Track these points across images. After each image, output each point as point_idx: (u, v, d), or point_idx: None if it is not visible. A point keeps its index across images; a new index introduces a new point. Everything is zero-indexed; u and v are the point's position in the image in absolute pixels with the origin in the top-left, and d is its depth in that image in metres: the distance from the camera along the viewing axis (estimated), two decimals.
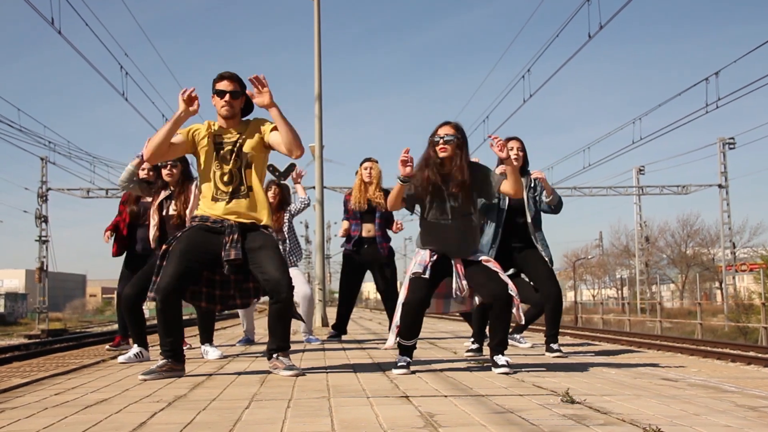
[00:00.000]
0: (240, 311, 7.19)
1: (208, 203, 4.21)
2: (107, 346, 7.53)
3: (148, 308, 9.74)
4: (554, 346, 5.35)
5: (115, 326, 33.72)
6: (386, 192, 7.26)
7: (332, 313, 8.81)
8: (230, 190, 4.17)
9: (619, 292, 57.21)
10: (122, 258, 6.85)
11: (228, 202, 4.16)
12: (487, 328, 4.51)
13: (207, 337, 5.62)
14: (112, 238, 6.80)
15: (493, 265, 4.23)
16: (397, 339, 4.23)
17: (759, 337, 19.28)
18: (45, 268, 33.38)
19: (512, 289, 4.13)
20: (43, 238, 32.98)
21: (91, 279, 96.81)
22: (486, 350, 4.75)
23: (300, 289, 6.94)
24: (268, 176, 6.61)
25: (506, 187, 4.28)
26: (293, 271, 6.86)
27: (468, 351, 5.49)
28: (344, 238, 7.33)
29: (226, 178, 4.18)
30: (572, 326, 27.26)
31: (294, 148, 4.15)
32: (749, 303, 27.80)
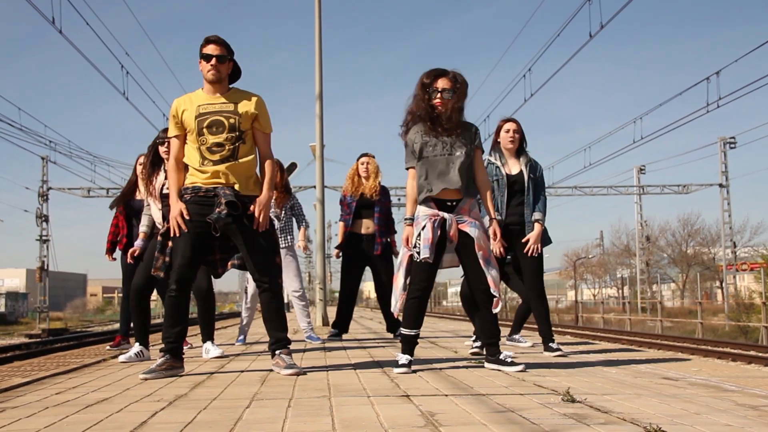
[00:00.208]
0: (243, 311, 7.19)
1: (198, 170, 4.15)
2: (108, 346, 7.54)
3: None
4: (553, 345, 5.34)
5: (116, 326, 33.75)
6: (383, 188, 7.26)
7: (333, 313, 8.80)
8: (218, 158, 4.12)
9: (620, 291, 57.17)
10: (122, 257, 6.89)
11: (216, 164, 4.11)
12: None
13: (208, 335, 5.63)
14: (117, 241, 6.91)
15: (483, 255, 4.21)
16: (399, 331, 4.27)
17: (759, 336, 19.27)
18: (46, 267, 33.39)
19: (494, 290, 4.18)
20: (43, 238, 32.99)
21: (91, 278, 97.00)
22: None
23: (289, 286, 6.90)
24: None
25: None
26: (286, 262, 6.81)
27: (472, 350, 5.49)
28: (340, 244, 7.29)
29: (214, 148, 4.13)
30: (573, 325, 27.25)
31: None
32: (750, 302, 27.76)
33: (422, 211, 4.22)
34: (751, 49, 15.53)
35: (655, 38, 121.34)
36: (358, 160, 7.25)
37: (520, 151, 5.50)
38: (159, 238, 4.37)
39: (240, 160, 4.15)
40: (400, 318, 4.41)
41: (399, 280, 4.25)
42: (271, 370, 4.19)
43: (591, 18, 12.91)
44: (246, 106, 4.20)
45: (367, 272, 7.58)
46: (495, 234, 4.35)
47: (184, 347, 4.96)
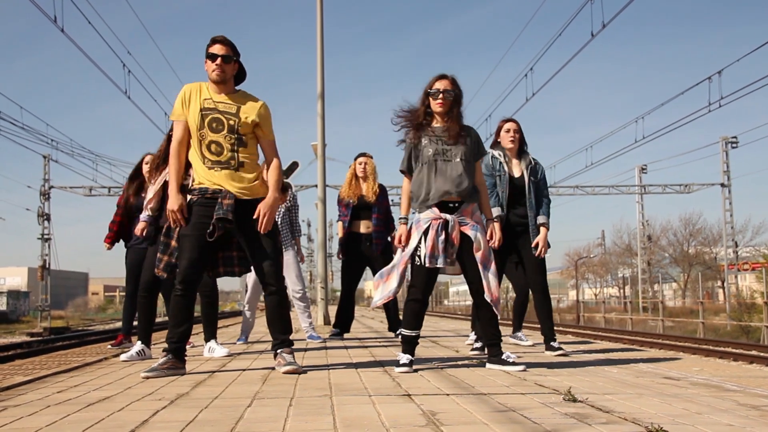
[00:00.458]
0: (245, 310, 7.20)
1: (202, 171, 4.15)
2: (109, 344, 7.55)
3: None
4: (555, 345, 5.34)
5: (117, 324, 33.71)
6: (382, 188, 7.26)
7: (334, 312, 8.80)
8: (218, 160, 4.12)
9: (621, 290, 57.13)
10: (122, 256, 6.89)
11: (217, 171, 4.11)
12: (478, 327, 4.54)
13: (212, 333, 5.63)
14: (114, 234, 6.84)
15: (481, 258, 4.22)
16: (400, 331, 4.27)
17: (761, 336, 19.24)
18: (47, 266, 33.42)
19: (489, 298, 4.18)
20: (45, 236, 33.02)
21: (93, 277, 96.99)
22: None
23: (293, 287, 6.91)
24: None
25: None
26: (288, 262, 6.80)
27: (473, 350, 5.49)
28: (340, 244, 7.27)
29: (213, 147, 4.13)
30: (574, 325, 27.24)
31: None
32: (751, 302, 27.75)
33: (424, 214, 4.22)
34: (753, 49, 15.55)
35: (657, 38, 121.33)
36: (355, 159, 7.24)
37: (520, 151, 5.52)
38: (162, 238, 4.37)
39: (240, 169, 4.14)
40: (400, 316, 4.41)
41: (392, 282, 4.22)
42: (273, 369, 4.19)
43: (593, 17, 12.92)
44: (248, 112, 4.19)
45: (368, 272, 7.58)
46: (493, 234, 4.40)
47: (187, 346, 4.97)
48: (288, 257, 6.80)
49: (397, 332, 7.12)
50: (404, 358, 4.15)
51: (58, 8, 12.61)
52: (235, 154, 4.13)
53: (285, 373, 4.00)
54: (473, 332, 6.29)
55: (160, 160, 5.17)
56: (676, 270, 53.47)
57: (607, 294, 60.86)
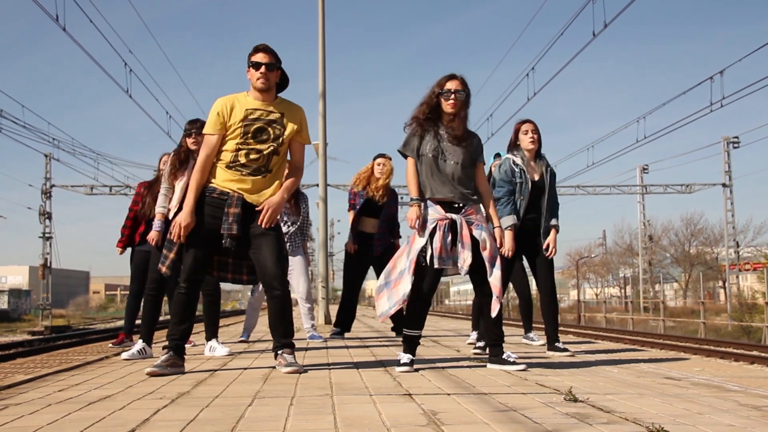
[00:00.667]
0: (247, 309, 7.21)
1: (223, 172, 4.14)
2: (111, 343, 7.55)
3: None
4: (559, 345, 5.34)
5: (118, 323, 33.72)
6: (393, 192, 7.26)
7: (335, 311, 8.80)
8: (253, 168, 4.12)
9: (623, 290, 57.09)
10: (126, 256, 6.89)
11: (243, 174, 4.11)
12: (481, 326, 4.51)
13: (213, 332, 5.63)
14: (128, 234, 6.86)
15: (488, 256, 4.21)
16: (403, 331, 4.25)
17: (762, 336, 19.23)
18: (48, 264, 33.45)
19: (496, 296, 4.17)
20: (46, 235, 33.05)
21: (94, 276, 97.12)
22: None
23: (299, 288, 6.93)
24: None
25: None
26: (296, 263, 6.83)
27: (475, 350, 5.49)
28: (351, 234, 7.24)
29: (252, 155, 4.11)
30: (575, 325, 27.24)
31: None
32: (752, 302, 27.72)
33: (430, 214, 4.20)
34: (755, 49, 15.55)
35: (659, 37, 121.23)
36: (374, 160, 7.19)
37: (539, 153, 5.50)
38: (168, 235, 4.34)
39: (267, 175, 4.15)
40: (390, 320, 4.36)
41: (402, 288, 4.13)
42: (274, 368, 4.20)
43: (594, 17, 12.91)
44: (292, 119, 4.21)
45: (370, 271, 7.57)
46: (500, 240, 4.36)
47: (187, 345, 4.97)
48: (297, 259, 6.83)
49: (399, 332, 7.12)
50: (405, 357, 4.15)
51: (60, 7, 12.64)
52: (268, 162, 4.16)
53: (286, 373, 4.00)
54: (474, 331, 6.30)
55: (183, 158, 5.20)
56: (677, 270, 53.39)
57: (608, 294, 60.82)
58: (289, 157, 4.37)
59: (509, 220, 5.25)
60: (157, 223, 5.33)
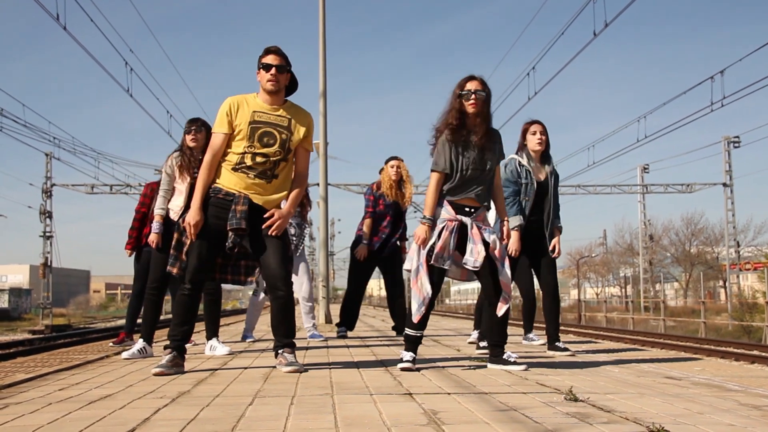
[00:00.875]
0: (248, 307, 7.21)
1: (229, 174, 4.12)
2: (111, 342, 7.56)
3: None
4: (560, 345, 5.35)
5: (119, 322, 33.69)
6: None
7: (335, 310, 8.81)
8: (259, 170, 4.10)
9: (623, 290, 57.06)
10: (134, 258, 6.90)
11: (250, 177, 4.10)
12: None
13: (214, 332, 5.63)
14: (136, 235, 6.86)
15: (497, 256, 4.21)
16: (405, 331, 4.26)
17: (763, 335, 19.23)
18: (49, 263, 33.46)
19: (507, 295, 4.19)
20: (47, 234, 33.05)
21: (95, 275, 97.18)
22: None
23: (302, 288, 6.96)
24: None
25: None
26: (299, 264, 6.88)
27: (479, 349, 5.49)
28: (358, 235, 7.20)
29: (258, 159, 4.09)
30: (576, 324, 27.23)
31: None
32: (753, 302, 27.72)
33: (441, 214, 4.20)
34: (755, 48, 15.54)
35: (660, 37, 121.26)
36: (386, 163, 7.15)
37: (545, 155, 5.49)
38: (175, 234, 4.32)
39: (273, 181, 4.14)
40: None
41: (424, 288, 4.09)
42: (274, 368, 4.20)
43: (595, 16, 12.91)
44: (300, 126, 4.19)
45: (375, 271, 7.55)
46: (507, 235, 4.39)
47: (188, 344, 4.97)
48: (299, 259, 6.86)
49: (400, 332, 7.12)
50: (407, 356, 4.15)
51: (61, 6, 12.62)
52: (275, 167, 4.14)
53: (286, 372, 4.00)
54: (475, 330, 6.30)
55: (188, 159, 5.21)
56: (677, 269, 53.37)
57: (608, 293, 60.82)
58: None
59: (516, 220, 5.26)
60: (155, 225, 5.32)
